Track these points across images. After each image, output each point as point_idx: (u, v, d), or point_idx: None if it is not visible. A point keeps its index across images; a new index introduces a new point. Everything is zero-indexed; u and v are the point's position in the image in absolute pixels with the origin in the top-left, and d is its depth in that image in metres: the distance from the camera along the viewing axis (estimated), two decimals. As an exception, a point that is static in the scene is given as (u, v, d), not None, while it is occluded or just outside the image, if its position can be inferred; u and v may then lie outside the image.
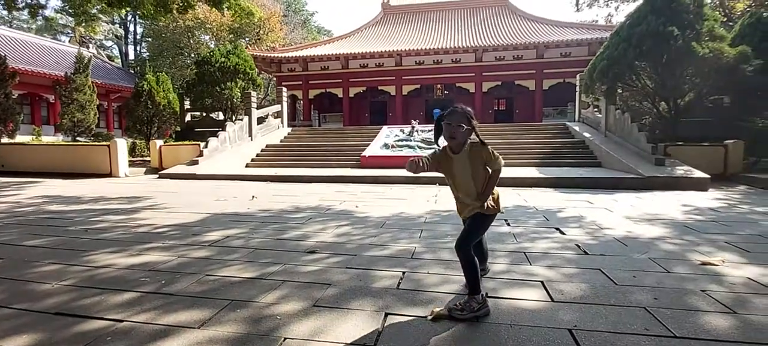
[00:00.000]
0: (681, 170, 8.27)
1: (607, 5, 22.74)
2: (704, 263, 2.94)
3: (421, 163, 2.10)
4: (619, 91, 12.04)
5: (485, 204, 2.14)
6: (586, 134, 12.56)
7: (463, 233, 2.18)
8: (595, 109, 13.54)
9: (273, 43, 31.53)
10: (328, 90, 25.67)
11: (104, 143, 12.07)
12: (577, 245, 3.46)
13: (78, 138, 15.62)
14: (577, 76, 15.11)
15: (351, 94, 25.27)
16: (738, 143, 9.46)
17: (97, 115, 16.94)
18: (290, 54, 25.36)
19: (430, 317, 2.03)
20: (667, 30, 9.66)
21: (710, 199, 6.36)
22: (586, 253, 3.24)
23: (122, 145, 11.32)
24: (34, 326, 1.97)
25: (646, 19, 10.13)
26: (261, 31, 32.13)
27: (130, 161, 12.44)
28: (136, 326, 1.96)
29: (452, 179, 2.22)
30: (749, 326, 1.95)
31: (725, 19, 16.20)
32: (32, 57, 21.13)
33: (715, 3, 17.82)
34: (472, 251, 2.12)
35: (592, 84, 11.58)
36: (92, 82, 16.70)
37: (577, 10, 22.60)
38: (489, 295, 2.34)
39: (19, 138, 14.57)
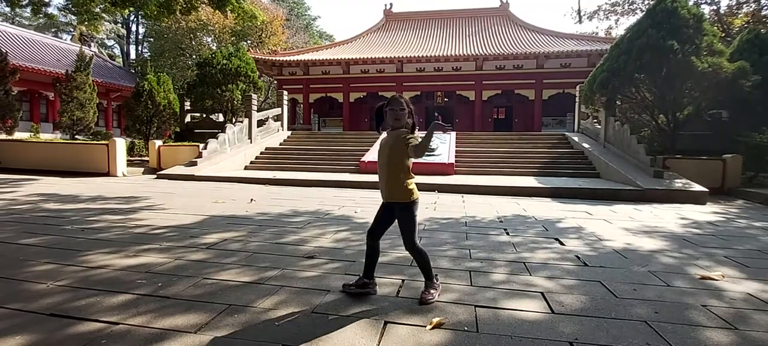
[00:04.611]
0: (679, 183, 8.29)
1: (608, 18, 23.00)
2: (704, 278, 2.93)
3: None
4: (619, 103, 12.10)
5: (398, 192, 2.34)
6: (585, 145, 12.60)
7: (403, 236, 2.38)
8: (595, 120, 13.59)
9: (275, 46, 31.59)
10: (328, 94, 25.69)
11: (103, 142, 12.02)
12: (576, 256, 3.45)
13: (77, 136, 15.53)
14: (577, 87, 15.18)
15: (351, 99, 25.29)
16: (736, 158, 9.50)
17: (97, 114, 16.87)
18: (292, 58, 25.42)
19: (429, 327, 2.01)
20: (667, 44, 9.73)
21: (708, 213, 6.37)
22: (585, 264, 3.23)
23: (121, 144, 11.28)
24: (27, 328, 1.94)
25: (647, 32, 10.21)
26: (263, 35, 32.19)
27: (128, 161, 12.38)
28: (131, 329, 1.94)
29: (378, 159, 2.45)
30: (750, 343, 1.94)
31: (723, 35, 16.35)
32: (33, 54, 21.09)
33: (713, 18, 18.02)
34: (419, 243, 2.39)
35: (591, 95, 11.64)
36: (93, 80, 16.67)
37: (579, 22, 22.82)
38: (489, 306, 2.33)
39: (18, 135, 14.50)
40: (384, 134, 2.48)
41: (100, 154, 11.13)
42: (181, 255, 3.24)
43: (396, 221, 2.42)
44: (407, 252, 3.47)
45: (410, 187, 2.34)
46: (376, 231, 2.46)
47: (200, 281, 2.64)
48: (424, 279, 2.44)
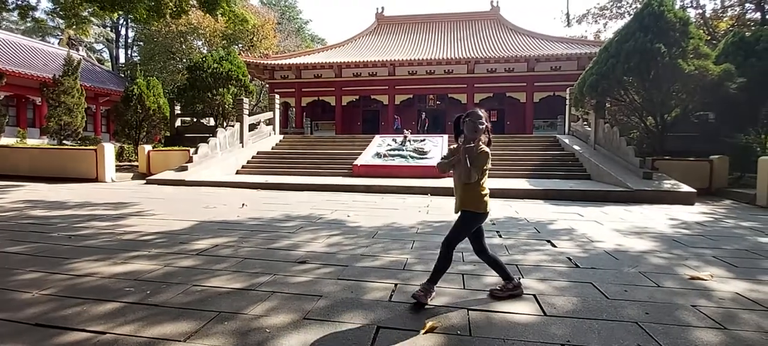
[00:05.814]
0: (668, 184, 8.41)
1: (597, 21, 23.34)
2: (693, 278, 2.96)
3: (447, 163, 2.45)
4: (608, 105, 12.25)
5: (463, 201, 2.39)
6: (576, 147, 12.73)
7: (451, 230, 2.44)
8: (585, 123, 13.74)
9: (266, 50, 31.48)
10: (320, 98, 25.66)
11: (91, 147, 11.85)
12: (568, 258, 3.47)
13: (64, 142, 15.29)
14: (567, 89, 15.36)
15: (344, 103, 25.28)
16: (723, 159, 9.66)
17: (85, 119, 16.63)
18: (283, 61, 25.35)
19: (422, 332, 2.01)
20: (655, 47, 9.88)
21: (697, 213, 6.46)
22: (577, 266, 3.25)
23: (109, 149, 11.13)
24: (12, 338, 1.90)
25: (635, 35, 10.36)
26: (254, 38, 32.07)
27: (117, 166, 12.22)
28: (119, 339, 1.90)
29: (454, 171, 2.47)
30: (739, 342, 1.97)
31: (709, 38, 16.68)
32: (19, 58, 20.74)
33: (699, 22, 18.37)
34: (452, 249, 2.41)
35: (581, 98, 11.77)
36: (81, 85, 16.43)
37: (568, 25, 23.11)
38: (481, 309, 2.33)
39: (4, 140, 14.24)
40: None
41: (88, 159, 10.97)
42: (171, 262, 3.19)
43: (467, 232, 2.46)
44: (400, 256, 3.47)
45: (484, 199, 2.38)
46: (476, 248, 2.53)
47: (190, 288, 2.60)
48: (425, 280, 2.44)
